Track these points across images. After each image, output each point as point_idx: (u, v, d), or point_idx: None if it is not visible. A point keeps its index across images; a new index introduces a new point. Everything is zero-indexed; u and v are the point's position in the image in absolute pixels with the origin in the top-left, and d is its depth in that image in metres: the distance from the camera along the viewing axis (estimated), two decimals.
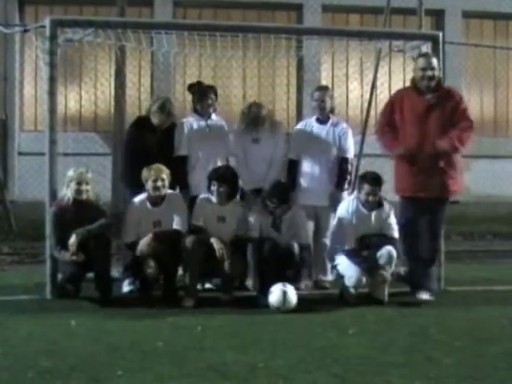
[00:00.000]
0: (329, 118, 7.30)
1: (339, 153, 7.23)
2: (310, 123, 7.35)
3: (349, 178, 7.30)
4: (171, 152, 7.00)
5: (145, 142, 6.89)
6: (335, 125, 7.29)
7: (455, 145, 6.38)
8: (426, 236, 6.62)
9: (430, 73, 6.41)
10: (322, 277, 7.24)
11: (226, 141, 7.22)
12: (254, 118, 7.14)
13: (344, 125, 7.36)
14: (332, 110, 7.36)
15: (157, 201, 6.62)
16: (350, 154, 7.31)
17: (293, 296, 6.12)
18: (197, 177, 6.95)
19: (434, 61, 6.51)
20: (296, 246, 6.49)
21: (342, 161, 7.23)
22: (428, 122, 6.39)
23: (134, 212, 6.64)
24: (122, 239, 6.76)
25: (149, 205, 6.62)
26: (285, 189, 6.74)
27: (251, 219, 6.68)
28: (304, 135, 7.27)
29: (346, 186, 7.27)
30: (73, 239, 6.30)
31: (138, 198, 6.67)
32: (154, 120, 6.98)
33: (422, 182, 6.44)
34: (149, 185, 6.56)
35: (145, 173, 6.57)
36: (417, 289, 6.62)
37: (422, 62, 6.50)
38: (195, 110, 7.22)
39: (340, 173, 7.20)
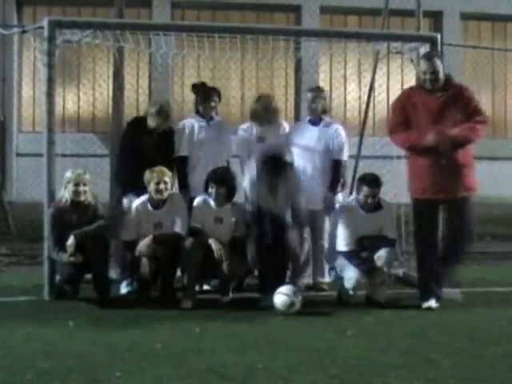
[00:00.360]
0: (321, 119, 7.25)
1: (332, 155, 7.16)
2: (303, 125, 7.32)
3: (342, 180, 7.26)
4: (167, 155, 6.94)
5: (140, 144, 6.85)
6: (327, 126, 7.22)
7: (468, 134, 6.17)
8: (455, 237, 6.38)
9: (431, 76, 6.22)
10: (320, 279, 7.23)
11: (227, 142, 7.19)
12: (265, 109, 7.10)
13: (336, 126, 7.28)
14: (325, 111, 7.31)
15: (158, 203, 6.60)
16: (343, 156, 7.22)
17: (299, 304, 6.10)
18: (197, 178, 6.89)
19: (436, 63, 6.27)
20: (294, 238, 6.58)
21: (335, 163, 7.17)
22: (444, 120, 6.20)
23: (134, 212, 6.61)
24: (121, 237, 6.73)
25: (150, 207, 6.60)
26: (279, 160, 6.67)
27: (246, 187, 6.71)
28: (296, 137, 7.23)
29: (339, 188, 7.23)
30: (70, 240, 6.30)
31: (139, 199, 6.65)
32: (151, 123, 6.94)
33: (442, 183, 6.23)
34: (151, 187, 6.54)
35: (147, 175, 6.54)
36: (426, 296, 6.39)
37: (423, 65, 6.32)
38: (197, 111, 7.19)
39: (333, 175, 7.14)
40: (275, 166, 6.60)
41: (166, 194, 6.56)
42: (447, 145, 6.11)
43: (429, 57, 6.43)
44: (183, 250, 6.37)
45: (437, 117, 6.20)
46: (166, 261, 6.44)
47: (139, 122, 7.07)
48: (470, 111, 6.26)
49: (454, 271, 6.55)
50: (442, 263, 6.44)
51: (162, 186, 6.51)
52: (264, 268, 6.60)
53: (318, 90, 7.40)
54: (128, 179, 6.82)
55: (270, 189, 6.65)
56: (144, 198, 6.62)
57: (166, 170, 6.61)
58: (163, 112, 6.93)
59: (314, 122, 7.23)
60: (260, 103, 7.19)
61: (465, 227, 6.39)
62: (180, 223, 6.55)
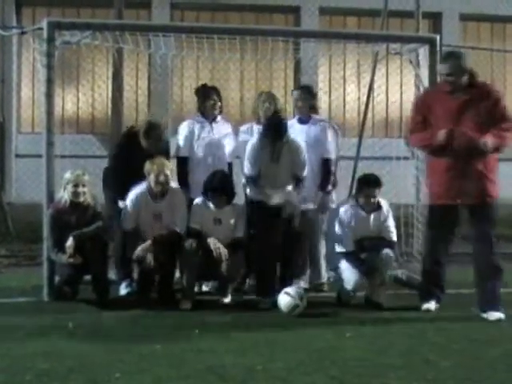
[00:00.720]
0: (310, 117, 7.20)
1: (321, 153, 7.08)
2: (292, 124, 7.26)
3: (332, 179, 7.20)
4: None
5: (132, 162, 6.68)
6: (315, 124, 7.14)
7: (498, 144, 5.89)
8: (476, 247, 6.16)
9: (447, 78, 5.97)
10: (318, 280, 7.19)
11: (229, 143, 7.14)
12: (269, 102, 7.08)
13: (324, 124, 7.21)
14: (314, 110, 7.29)
15: (158, 195, 6.56)
16: (332, 154, 7.14)
17: (302, 308, 6.08)
18: (197, 179, 6.84)
19: (452, 63, 5.93)
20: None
21: (325, 162, 7.09)
22: (462, 121, 5.90)
23: (134, 201, 6.56)
24: (121, 227, 6.66)
25: (150, 198, 6.57)
26: (280, 125, 6.59)
27: (249, 155, 6.64)
28: None
29: (330, 187, 7.18)
30: (70, 241, 6.30)
31: (138, 189, 6.57)
32: (142, 142, 6.88)
33: (459, 188, 5.97)
34: (151, 178, 6.49)
35: (147, 166, 6.49)
36: (426, 297, 6.32)
37: (439, 66, 6.14)
38: (201, 113, 7.18)
39: (323, 174, 7.07)
40: (279, 130, 6.55)
41: (166, 187, 6.53)
42: (462, 141, 5.84)
43: (445, 58, 6.18)
44: (182, 251, 6.37)
45: (455, 118, 5.94)
46: (166, 261, 6.43)
47: (134, 137, 6.96)
48: (496, 115, 5.94)
49: (493, 285, 6.11)
50: (479, 279, 6.19)
51: (161, 178, 6.47)
52: (264, 269, 6.58)
53: (303, 89, 7.39)
54: (121, 193, 6.76)
55: (272, 157, 6.61)
56: (143, 187, 6.58)
57: (166, 162, 6.57)
58: (151, 135, 6.80)
59: (303, 120, 7.18)
60: (262, 97, 7.17)
61: (484, 236, 6.13)
62: (180, 220, 6.54)
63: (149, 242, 6.40)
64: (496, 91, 6.13)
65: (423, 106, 6.21)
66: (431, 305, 6.28)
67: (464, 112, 5.95)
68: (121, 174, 6.75)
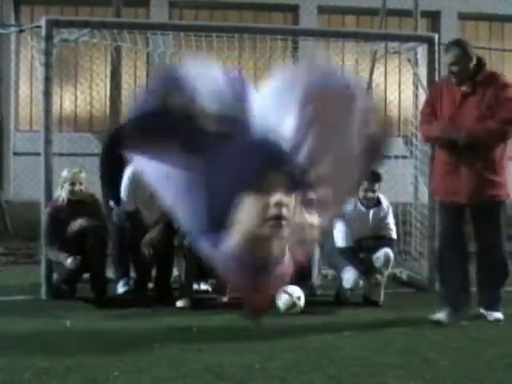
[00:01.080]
0: None
1: None
2: None
3: None
4: None
5: (119, 159, 6.71)
6: None
7: (482, 136, 5.55)
8: (478, 247, 5.89)
9: (450, 68, 5.68)
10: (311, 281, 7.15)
11: None
12: None
13: None
14: None
15: None
16: None
17: (299, 308, 6.09)
18: None
19: (457, 53, 5.59)
20: None
21: None
22: (463, 113, 5.63)
23: (130, 178, 6.46)
24: (124, 209, 6.62)
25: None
26: None
27: None
28: None
29: None
30: (76, 225, 6.30)
31: (133, 169, 6.55)
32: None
33: (456, 184, 5.68)
34: None
35: None
36: (439, 305, 5.93)
37: (445, 56, 5.84)
38: None
39: None
40: None
41: None
42: (464, 138, 5.58)
43: (447, 47, 5.79)
44: (181, 249, 6.37)
45: (456, 109, 5.69)
46: (163, 248, 6.46)
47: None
48: (497, 105, 5.59)
49: (494, 285, 5.88)
50: (480, 279, 5.91)
51: None
52: None
53: None
54: (112, 191, 6.75)
55: None
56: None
57: None
58: None
59: None
60: None
61: (486, 236, 5.82)
62: None
63: (156, 231, 6.42)
64: (503, 80, 5.76)
65: (432, 98, 6.01)
66: (442, 315, 5.79)
67: (465, 103, 5.69)
68: (110, 172, 6.75)
